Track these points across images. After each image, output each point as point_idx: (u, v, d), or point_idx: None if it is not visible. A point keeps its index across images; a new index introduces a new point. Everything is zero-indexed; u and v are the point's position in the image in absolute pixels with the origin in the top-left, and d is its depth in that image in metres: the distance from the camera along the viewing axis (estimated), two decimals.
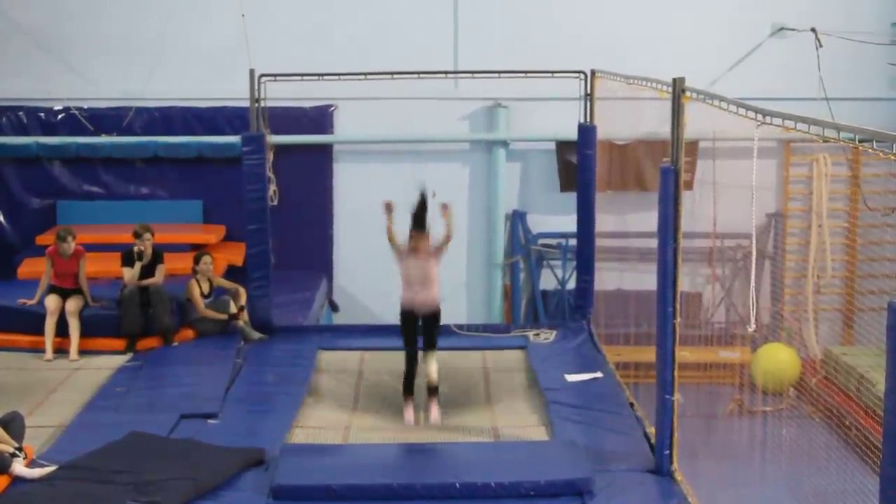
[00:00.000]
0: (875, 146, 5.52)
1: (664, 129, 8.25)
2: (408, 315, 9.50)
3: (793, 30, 13.98)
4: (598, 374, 10.54)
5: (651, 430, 8.80)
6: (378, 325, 12.39)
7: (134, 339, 11.42)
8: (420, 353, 9.56)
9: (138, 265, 11.55)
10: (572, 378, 10.39)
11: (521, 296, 14.99)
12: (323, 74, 11.80)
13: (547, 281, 14.90)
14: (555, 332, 12.02)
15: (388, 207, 9.44)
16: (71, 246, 11.45)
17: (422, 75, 11.99)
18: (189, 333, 11.76)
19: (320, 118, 14.54)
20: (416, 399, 9.55)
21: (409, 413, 9.44)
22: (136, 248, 11.58)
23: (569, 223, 13.13)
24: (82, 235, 12.02)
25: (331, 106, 14.54)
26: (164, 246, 12.04)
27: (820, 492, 10.54)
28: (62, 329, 11.27)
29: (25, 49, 14.22)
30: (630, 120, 12.01)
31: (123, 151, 14.24)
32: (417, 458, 8.33)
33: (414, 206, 9.32)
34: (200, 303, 11.74)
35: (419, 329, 9.53)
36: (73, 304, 11.33)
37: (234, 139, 13.48)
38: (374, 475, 7.78)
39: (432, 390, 9.46)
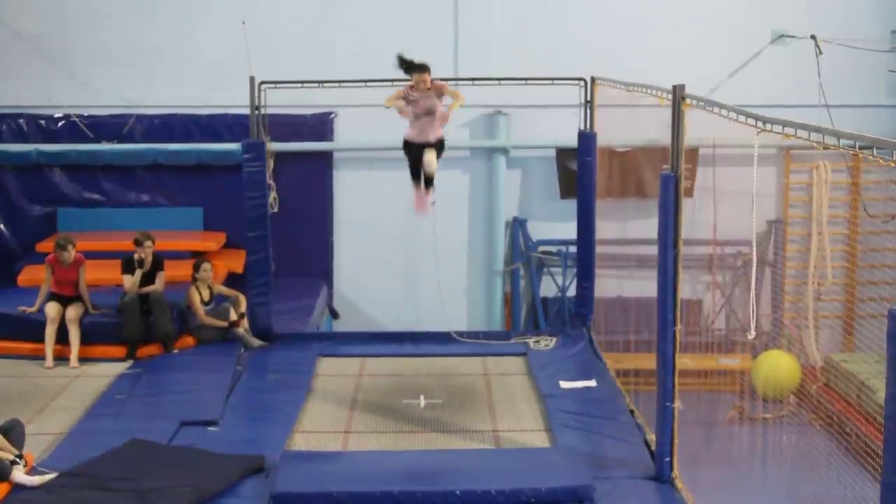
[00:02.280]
0: (875, 153, 5.52)
1: (664, 136, 8.26)
2: (411, 144, 9.48)
3: (793, 37, 13.99)
4: (592, 383, 10.54)
5: (651, 437, 8.80)
6: (378, 332, 12.39)
7: (134, 346, 11.42)
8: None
9: (139, 272, 11.55)
10: (566, 385, 10.41)
11: (522, 303, 14.98)
12: (323, 81, 11.79)
13: (547, 288, 14.89)
14: (555, 339, 12.02)
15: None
16: (71, 254, 11.45)
17: None
18: (189, 341, 11.76)
19: (320, 125, 14.54)
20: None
21: (419, 196, 9.51)
22: (136, 256, 11.58)
23: (569, 230, 13.13)
24: (82, 243, 12.03)
25: (331, 113, 14.54)
26: (164, 253, 12.04)
27: (820, 499, 10.53)
28: (62, 336, 11.28)
29: (26, 56, 14.21)
30: (630, 127, 12.02)
31: (124, 159, 14.22)
32: (418, 465, 8.30)
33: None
34: (201, 310, 11.73)
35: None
36: (73, 312, 11.33)
37: (234, 146, 13.49)
38: (374, 482, 7.77)
39: (429, 181, 9.44)
